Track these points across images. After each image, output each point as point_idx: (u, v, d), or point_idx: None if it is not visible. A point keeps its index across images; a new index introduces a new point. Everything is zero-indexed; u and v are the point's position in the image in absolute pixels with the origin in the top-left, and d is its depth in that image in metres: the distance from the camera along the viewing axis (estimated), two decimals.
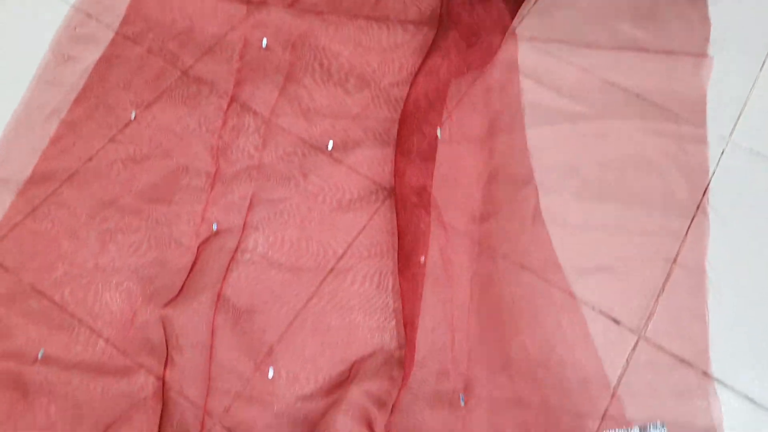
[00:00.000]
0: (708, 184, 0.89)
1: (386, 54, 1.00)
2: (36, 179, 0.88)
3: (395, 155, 0.90)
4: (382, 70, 0.99)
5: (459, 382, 0.76)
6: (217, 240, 0.84)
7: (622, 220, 0.86)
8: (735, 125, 0.94)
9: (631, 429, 0.70)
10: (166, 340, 0.76)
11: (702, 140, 0.92)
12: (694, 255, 0.84)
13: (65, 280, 0.81)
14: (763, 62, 1.00)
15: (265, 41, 1.00)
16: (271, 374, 0.76)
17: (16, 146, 0.91)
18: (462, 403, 0.74)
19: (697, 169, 0.90)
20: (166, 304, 0.78)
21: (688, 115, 0.94)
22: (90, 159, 0.90)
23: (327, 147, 0.92)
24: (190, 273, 0.82)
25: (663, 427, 0.70)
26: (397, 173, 0.88)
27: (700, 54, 0.98)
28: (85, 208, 0.86)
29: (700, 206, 0.87)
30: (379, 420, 0.72)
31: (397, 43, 1.01)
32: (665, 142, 0.92)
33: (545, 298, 0.80)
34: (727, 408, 0.75)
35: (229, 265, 0.82)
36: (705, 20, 1.03)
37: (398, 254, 0.83)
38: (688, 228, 0.86)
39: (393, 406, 0.74)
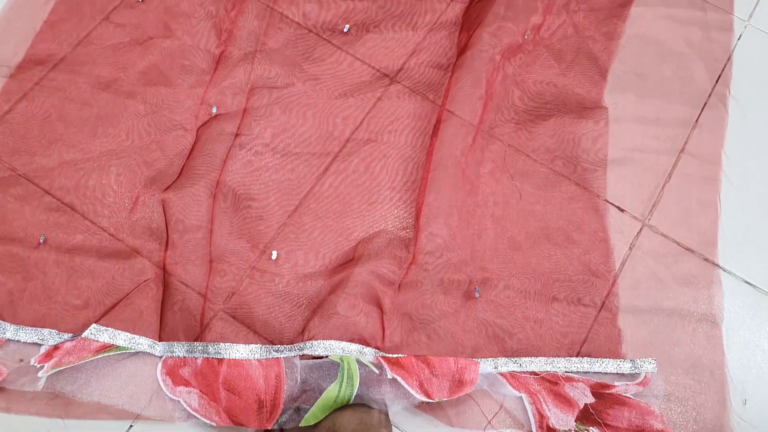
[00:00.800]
0: (729, 72, 0.85)
1: None
2: (29, 62, 0.85)
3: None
4: None
5: (477, 274, 0.75)
6: (217, 123, 0.82)
7: (641, 111, 0.84)
8: (755, 8, 0.90)
9: (623, 361, 0.70)
10: (166, 224, 0.76)
11: (729, 27, 0.88)
12: (709, 145, 0.82)
13: (59, 166, 0.79)
14: None
15: None
16: (274, 256, 0.76)
17: (10, 28, 0.88)
18: (477, 295, 0.74)
19: (720, 57, 0.86)
20: (166, 188, 0.78)
21: (716, 1, 0.89)
22: (89, 41, 0.87)
23: (343, 30, 0.89)
24: (189, 157, 0.81)
25: (653, 362, 0.70)
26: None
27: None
28: (81, 92, 0.84)
29: (719, 95, 0.84)
30: (388, 296, 0.73)
31: None
32: (690, 30, 0.88)
33: (565, 193, 0.79)
34: (728, 293, 0.75)
35: (229, 151, 0.80)
36: None
37: (434, 138, 0.81)
38: (703, 118, 0.83)
39: (399, 285, 0.74)
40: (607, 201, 0.79)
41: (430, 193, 0.78)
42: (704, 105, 0.84)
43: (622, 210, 0.79)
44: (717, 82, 0.85)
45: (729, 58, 0.87)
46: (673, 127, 0.83)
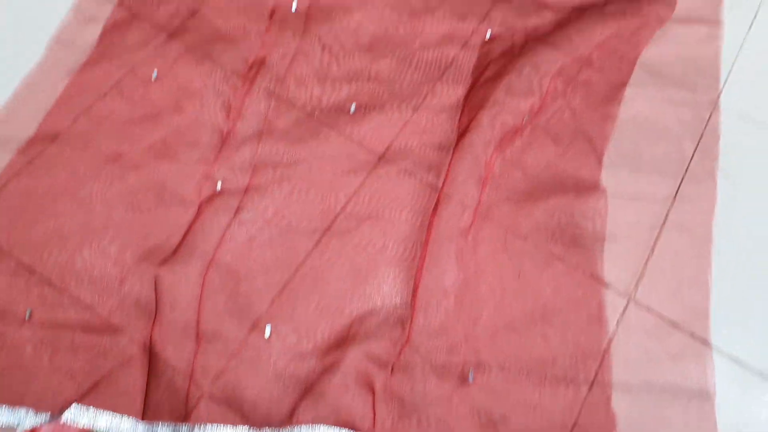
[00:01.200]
0: (717, 148, 0.87)
1: (419, 17, 0.99)
2: (39, 138, 0.87)
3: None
4: (413, 34, 0.98)
5: (471, 356, 0.74)
6: (220, 199, 0.83)
7: (633, 187, 0.85)
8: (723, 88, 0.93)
9: None
10: (156, 300, 0.75)
11: (716, 106, 0.90)
12: (699, 219, 0.82)
13: (53, 240, 0.79)
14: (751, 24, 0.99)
15: (294, 4, 1.00)
16: (267, 332, 0.74)
17: (24, 105, 0.90)
18: (471, 380, 0.73)
19: (709, 135, 0.88)
20: (161, 263, 0.77)
21: (704, 82, 0.92)
22: (100, 116, 0.89)
23: (350, 110, 0.91)
24: (188, 231, 0.81)
25: None
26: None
27: (713, 21, 0.96)
28: (86, 166, 0.85)
29: (708, 170, 0.86)
30: (380, 380, 0.71)
31: (428, 7, 1.00)
32: (681, 110, 0.90)
33: (562, 273, 0.79)
34: (719, 369, 0.74)
35: (228, 227, 0.81)
36: None
37: (433, 218, 0.81)
38: (693, 192, 0.84)
39: (392, 366, 0.72)
40: (603, 280, 0.78)
41: (427, 273, 0.77)
42: (693, 180, 0.85)
43: (613, 286, 0.78)
44: (706, 158, 0.87)
45: (717, 135, 0.88)
46: (663, 202, 0.84)
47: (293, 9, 1.00)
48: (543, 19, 0.98)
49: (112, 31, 0.97)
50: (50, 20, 0.98)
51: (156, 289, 0.76)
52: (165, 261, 0.78)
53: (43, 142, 0.87)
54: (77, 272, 0.78)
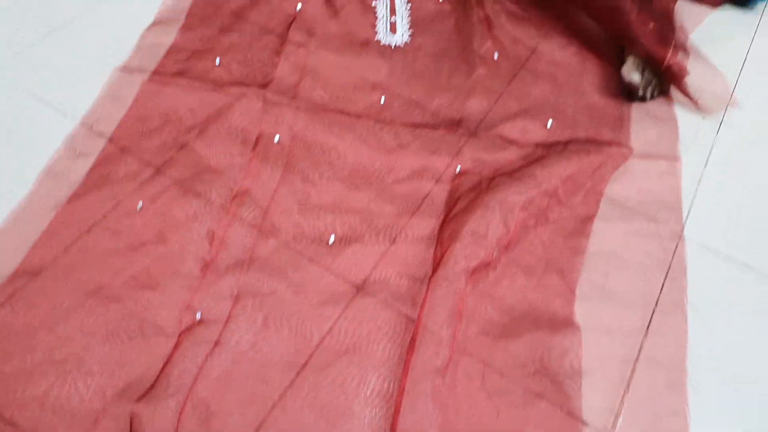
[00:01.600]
0: (684, 281, 0.90)
1: (394, 154, 1.05)
2: (21, 272, 0.87)
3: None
4: (386, 168, 1.03)
5: None
6: (200, 329, 0.83)
7: (604, 321, 0.86)
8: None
9: None
10: None
11: (681, 238, 0.94)
12: (672, 352, 0.83)
13: (21, 378, 0.78)
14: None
15: (277, 137, 1.05)
16: None
17: (9, 239, 0.92)
18: None
19: (676, 266, 0.91)
20: (138, 399, 0.77)
21: (667, 215, 0.96)
22: (83, 248, 0.90)
23: (328, 241, 0.94)
24: (167, 363, 0.80)
25: None
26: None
27: (672, 157, 1.02)
28: (67, 299, 0.85)
29: (677, 302, 0.88)
30: None
31: (401, 144, 1.06)
32: (647, 242, 0.93)
33: (541, 410, 0.79)
34: None
35: (206, 359, 0.81)
36: (673, 121, 1.08)
37: (410, 354, 0.81)
38: (664, 325, 0.86)
39: None
40: (581, 417, 0.78)
41: (404, 413, 0.77)
42: (664, 312, 0.87)
43: (592, 424, 0.78)
44: (674, 289, 0.89)
45: (684, 266, 0.91)
46: (635, 335, 0.85)
47: (276, 140, 1.05)
48: (510, 155, 1.04)
49: (101, 165, 1.01)
50: (43, 154, 1.02)
51: (131, 427, 0.74)
52: (142, 397, 0.77)
53: (25, 276, 0.87)
54: (49, 411, 0.76)
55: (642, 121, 1.08)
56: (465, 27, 1.25)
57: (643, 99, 1.11)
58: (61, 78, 1.14)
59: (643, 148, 1.04)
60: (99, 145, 1.03)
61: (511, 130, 1.07)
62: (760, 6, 1.32)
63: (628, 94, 1.12)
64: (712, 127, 1.08)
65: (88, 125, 1.06)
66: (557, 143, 1.04)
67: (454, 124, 1.09)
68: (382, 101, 1.13)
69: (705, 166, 1.03)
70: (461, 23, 1.27)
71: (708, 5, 1.30)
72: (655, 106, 1.11)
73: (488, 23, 1.26)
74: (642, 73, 1.11)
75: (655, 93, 1.12)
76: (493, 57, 1.20)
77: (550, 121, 1.09)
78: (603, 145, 1.02)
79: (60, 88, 1.12)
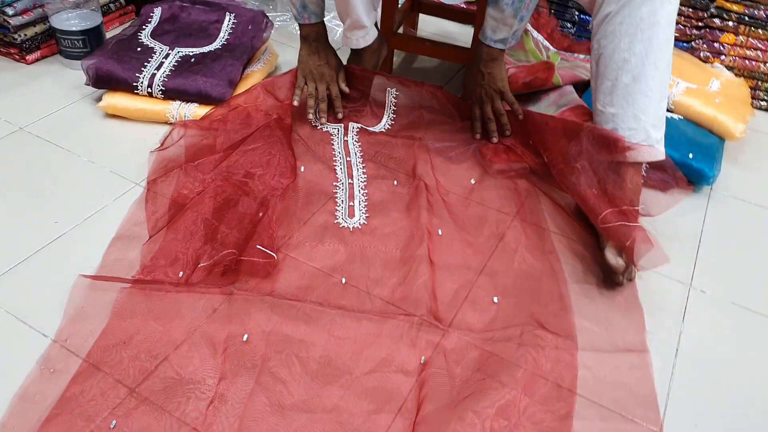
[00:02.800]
0: None
1: (359, 344, 1.06)
2: None
3: None
4: (355, 360, 1.04)
5: None
6: None
7: None
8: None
9: None
10: None
11: None
12: None
13: None
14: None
15: (246, 335, 1.06)
16: None
17: None
18: None
19: None
20: None
21: (642, 413, 0.96)
22: None
23: None
24: None
25: None
26: None
27: (640, 349, 1.04)
28: None
29: None
30: None
31: (370, 333, 1.08)
32: None
33: None
34: None
35: None
36: (638, 309, 1.11)
37: None
38: None
39: None
40: None
41: None
42: None
43: None
44: None
45: None
46: None
47: (245, 338, 1.06)
48: (475, 353, 1.05)
49: (74, 384, 0.99)
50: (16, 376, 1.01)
51: None
52: None
53: None
54: None
55: (608, 311, 1.11)
56: (414, 207, 1.34)
57: (620, 284, 1.15)
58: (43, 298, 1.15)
59: (610, 341, 1.05)
60: (75, 363, 1.03)
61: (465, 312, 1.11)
62: (705, 188, 1.43)
63: (609, 278, 1.16)
64: (678, 312, 1.11)
65: (60, 343, 1.06)
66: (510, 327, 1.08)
67: (411, 310, 1.12)
68: (342, 282, 1.17)
69: (675, 356, 1.04)
70: (412, 205, 1.36)
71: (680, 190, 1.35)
72: (621, 294, 1.15)
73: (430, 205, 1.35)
74: (621, 257, 1.15)
75: (632, 276, 1.16)
76: (437, 233, 1.27)
77: (495, 298, 1.14)
78: (551, 335, 1.04)
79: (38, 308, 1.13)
